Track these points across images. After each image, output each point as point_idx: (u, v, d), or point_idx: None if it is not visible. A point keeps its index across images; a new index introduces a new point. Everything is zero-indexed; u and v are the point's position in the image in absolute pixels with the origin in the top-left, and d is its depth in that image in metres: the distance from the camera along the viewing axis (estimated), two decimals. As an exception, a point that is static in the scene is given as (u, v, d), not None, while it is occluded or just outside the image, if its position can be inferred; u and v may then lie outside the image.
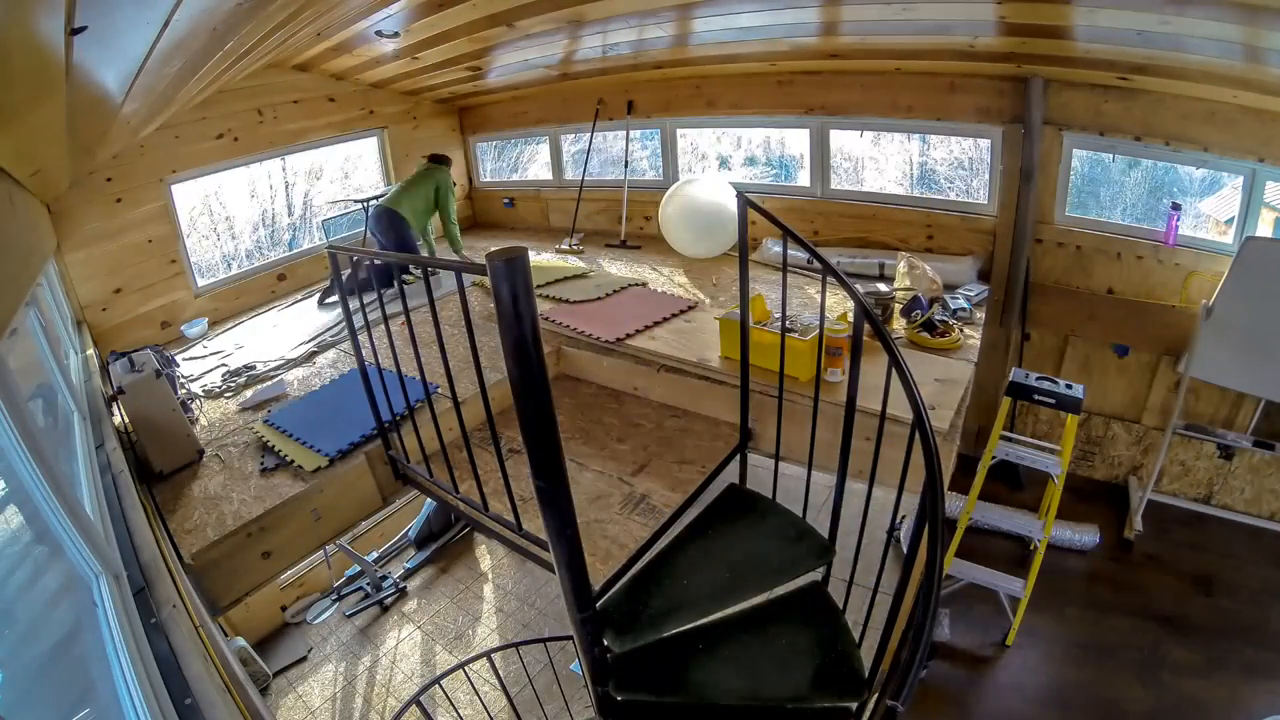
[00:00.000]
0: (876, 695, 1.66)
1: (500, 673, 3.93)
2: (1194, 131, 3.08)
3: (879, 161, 5.26)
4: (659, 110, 4.76)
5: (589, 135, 5.08)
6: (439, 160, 4.49)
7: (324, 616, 5.52)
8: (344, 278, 2.28)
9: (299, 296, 4.72)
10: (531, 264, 1.26)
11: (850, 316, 2.63)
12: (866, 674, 1.74)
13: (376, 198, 4.65)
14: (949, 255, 3.80)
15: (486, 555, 5.92)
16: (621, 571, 2.04)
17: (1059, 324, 3.79)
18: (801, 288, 3.59)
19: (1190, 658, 3.00)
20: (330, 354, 3.64)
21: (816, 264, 1.77)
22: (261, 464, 2.61)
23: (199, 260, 4.65)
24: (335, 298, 4.34)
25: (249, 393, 3.24)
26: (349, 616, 5.46)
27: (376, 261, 3.60)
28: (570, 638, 2.34)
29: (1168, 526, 3.66)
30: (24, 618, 1.24)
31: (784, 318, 2.13)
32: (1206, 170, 3.45)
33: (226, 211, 5.52)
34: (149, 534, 1.82)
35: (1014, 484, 4.01)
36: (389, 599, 5.57)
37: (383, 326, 2.19)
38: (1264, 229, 3.13)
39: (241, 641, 4.79)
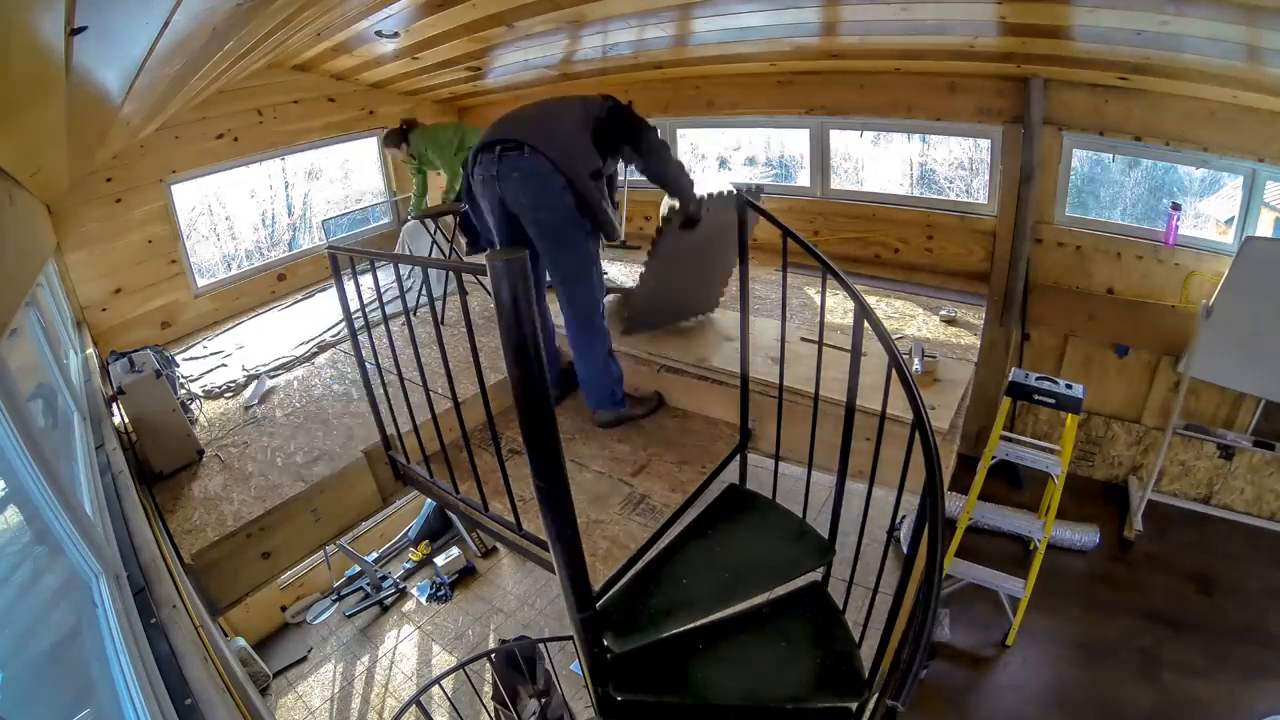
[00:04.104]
0: (876, 695, 1.66)
1: (500, 673, 3.93)
2: (1194, 131, 3.08)
3: (879, 161, 5.26)
4: (659, 110, 4.75)
5: (589, 135, 5.07)
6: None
7: (324, 617, 5.52)
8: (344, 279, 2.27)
9: (299, 296, 4.72)
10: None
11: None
12: (866, 674, 1.74)
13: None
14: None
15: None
16: (621, 571, 2.04)
17: (1059, 324, 3.79)
18: (801, 288, 3.59)
19: (1190, 658, 3.00)
20: (330, 353, 3.64)
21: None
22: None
23: (199, 260, 4.65)
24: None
25: (248, 391, 3.25)
26: (349, 617, 5.46)
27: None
28: (570, 638, 2.34)
29: (1167, 526, 3.66)
30: (24, 618, 1.24)
31: (784, 318, 2.13)
32: (1206, 170, 3.44)
33: (226, 212, 5.52)
34: (149, 534, 1.82)
35: (1014, 484, 4.01)
36: (389, 599, 5.57)
37: (383, 326, 2.19)
38: (1264, 229, 3.13)
39: (241, 641, 4.79)
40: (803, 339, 2.94)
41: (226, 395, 3.28)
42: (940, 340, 3.01)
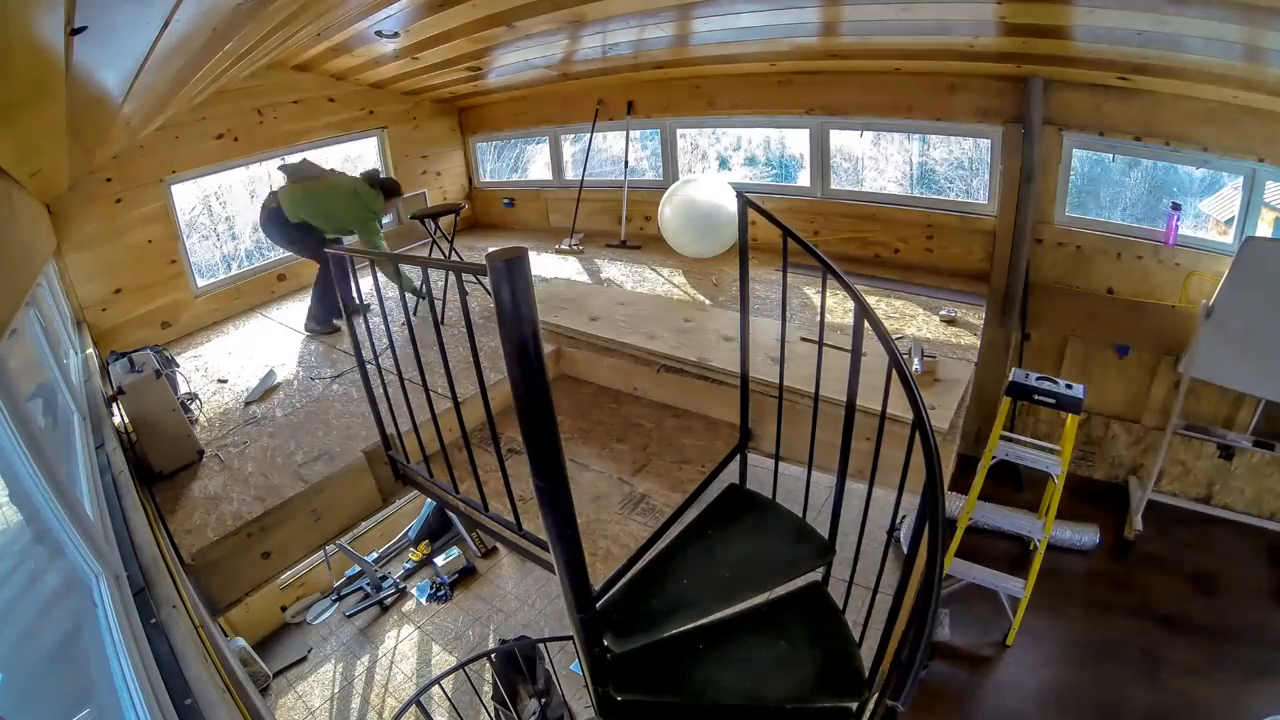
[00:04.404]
0: (876, 695, 1.66)
1: (500, 673, 3.93)
2: (1194, 131, 3.08)
3: (879, 161, 5.26)
4: (659, 110, 4.76)
5: (589, 135, 5.09)
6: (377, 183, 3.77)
7: (324, 617, 5.52)
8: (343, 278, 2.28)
9: (300, 297, 4.72)
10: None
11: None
12: (866, 674, 1.74)
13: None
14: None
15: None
16: (621, 571, 2.04)
17: (1059, 324, 3.79)
18: (800, 288, 3.59)
19: (1190, 658, 3.00)
20: (330, 353, 3.64)
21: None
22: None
23: (199, 260, 4.65)
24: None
25: (245, 389, 3.25)
26: (349, 617, 5.46)
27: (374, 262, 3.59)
28: (570, 638, 2.34)
29: (1168, 526, 3.66)
30: (24, 618, 1.24)
31: (784, 318, 2.12)
32: (1206, 170, 3.44)
33: (226, 212, 5.52)
34: (149, 534, 1.82)
35: (1014, 484, 4.01)
36: (389, 599, 5.57)
37: (383, 327, 2.19)
38: (1264, 229, 3.13)
39: (241, 641, 4.79)
40: (803, 339, 2.94)
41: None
42: (940, 340, 3.01)
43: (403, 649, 5.06)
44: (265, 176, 5.69)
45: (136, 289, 4.03)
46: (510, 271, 1.23)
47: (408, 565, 5.88)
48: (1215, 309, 3.08)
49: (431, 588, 5.53)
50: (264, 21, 2.38)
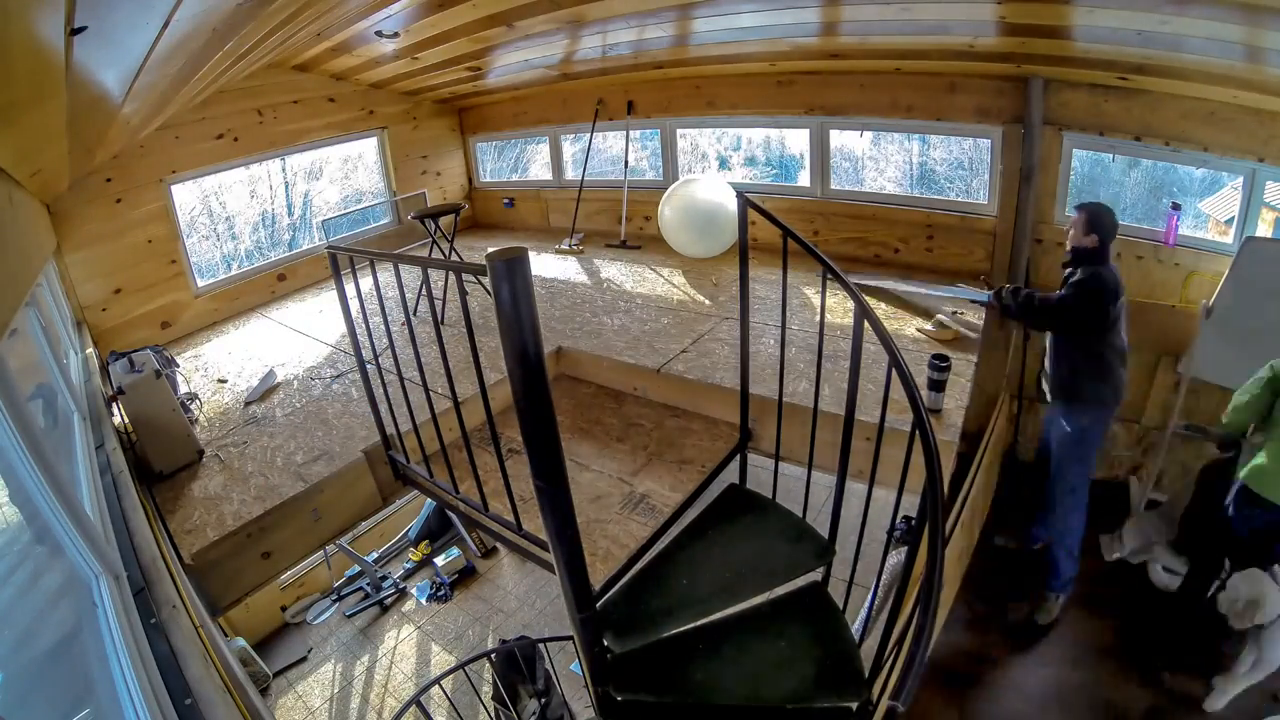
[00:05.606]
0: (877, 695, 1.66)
1: (500, 673, 3.93)
2: (1194, 131, 3.08)
3: (879, 161, 5.26)
4: (659, 110, 4.76)
5: (589, 135, 5.09)
6: None
7: (324, 617, 5.52)
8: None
9: (300, 297, 4.72)
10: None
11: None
12: (867, 674, 1.74)
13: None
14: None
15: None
16: (621, 571, 2.04)
17: (1059, 324, 3.78)
18: (800, 288, 3.59)
19: (1190, 658, 3.00)
20: (330, 353, 3.64)
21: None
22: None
23: (199, 260, 4.65)
24: None
25: (246, 389, 3.25)
26: (349, 617, 5.46)
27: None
28: (570, 638, 2.34)
29: (1168, 526, 3.65)
30: (24, 618, 1.24)
31: (784, 317, 2.12)
32: (1206, 170, 3.44)
33: (226, 211, 5.53)
34: (149, 534, 1.82)
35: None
36: (389, 599, 5.57)
37: (383, 327, 2.19)
38: (1264, 229, 3.13)
39: (241, 641, 4.79)
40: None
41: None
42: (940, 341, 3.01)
43: (403, 649, 5.06)
44: (265, 176, 5.70)
45: (136, 289, 4.03)
46: (510, 271, 1.24)
47: (408, 565, 5.88)
48: (1215, 309, 3.08)
49: (431, 588, 5.53)
50: (264, 21, 2.38)
